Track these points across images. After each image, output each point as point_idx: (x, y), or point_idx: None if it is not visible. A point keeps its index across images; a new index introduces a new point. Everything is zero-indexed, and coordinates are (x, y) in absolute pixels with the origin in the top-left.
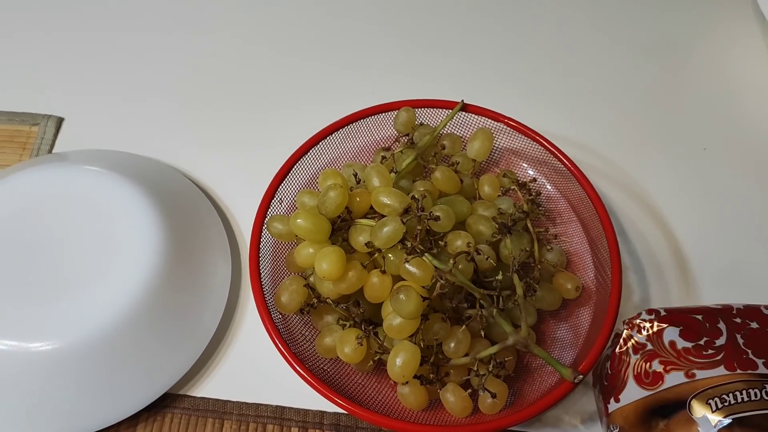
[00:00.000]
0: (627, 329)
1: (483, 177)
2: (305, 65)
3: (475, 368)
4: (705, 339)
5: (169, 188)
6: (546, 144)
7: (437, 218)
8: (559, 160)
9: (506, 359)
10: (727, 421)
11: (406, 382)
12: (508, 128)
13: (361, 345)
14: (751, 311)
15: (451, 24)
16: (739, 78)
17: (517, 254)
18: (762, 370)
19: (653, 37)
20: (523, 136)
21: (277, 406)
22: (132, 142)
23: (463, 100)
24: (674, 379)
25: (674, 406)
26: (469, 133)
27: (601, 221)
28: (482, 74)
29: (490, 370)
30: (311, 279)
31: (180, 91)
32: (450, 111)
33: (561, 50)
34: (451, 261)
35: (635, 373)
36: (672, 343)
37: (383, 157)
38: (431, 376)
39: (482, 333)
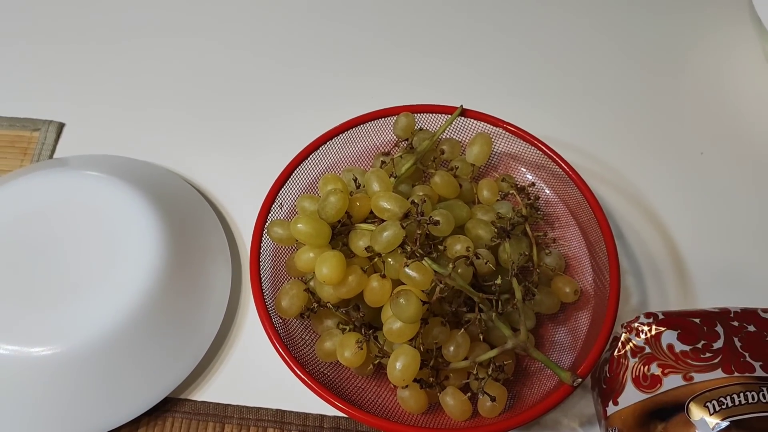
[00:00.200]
0: (625, 332)
1: (482, 181)
2: (305, 72)
3: (475, 372)
4: (703, 342)
5: (170, 193)
6: (544, 148)
7: (437, 222)
8: (558, 164)
9: (505, 363)
10: (725, 423)
11: (406, 386)
12: (507, 133)
13: (361, 349)
14: (748, 314)
15: (449, 30)
16: (736, 82)
17: (516, 258)
18: (759, 372)
19: (651, 42)
20: (521, 141)
21: (277, 410)
22: (133, 148)
23: (462, 105)
24: (672, 382)
25: (672, 408)
26: (468, 138)
27: (599, 225)
28: (481, 80)
29: (489, 373)
30: (311, 283)
31: (181, 97)
32: (449, 116)
33: (559, 56)
34: (451, 265)
35: (633, 376)
36: (670, 347)
37: (383, 162)
38: (431, 379)
39: (481, 337)
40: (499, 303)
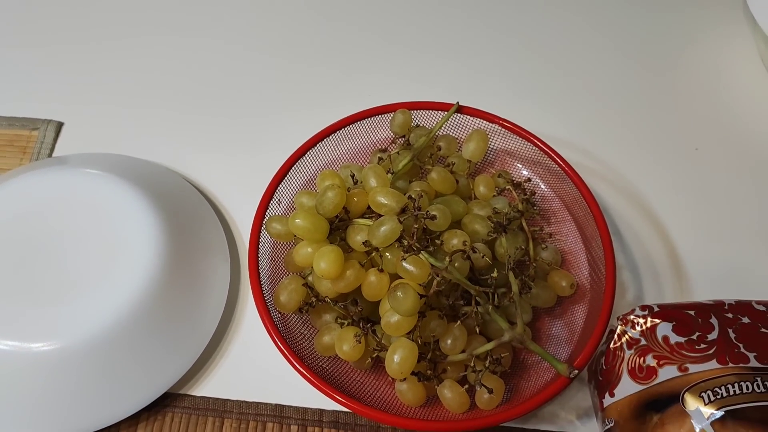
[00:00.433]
0: (621, 325)
1: (478, 177)
2: (302, 70)
3: (472, 364)
4: (697, 334)
5: (168, 190)
6: (540, 144)
7: (434, 217)
8: (553, 160)
9: (502, 355)
10: (720, 413)
11: (404, 379)
12: (503, 129)
13: (360, 342)
14: (742, 306)
15: (445, 28)
16: (730, 79)
17: (513, 252)
18: (753, 363)
19: (646, 39)
20: (517, 137)
21: (276, 405)
22: (130, 146)
23: (458, 102)
24: (668, 373)
25: (668, 399)
26: (464, 134)
27: (595, 219)
28: (477, 77)
29: (486, 366)
30: (310, 278)
31: (178, 95)
32: (445, 113)
33: (554, 53)
34: (448, 259)
35: (629, 368)
36: (665, 338)
37: (380, 159)
38: (428, 372)
39: (477, 330)
40: (496, 296)
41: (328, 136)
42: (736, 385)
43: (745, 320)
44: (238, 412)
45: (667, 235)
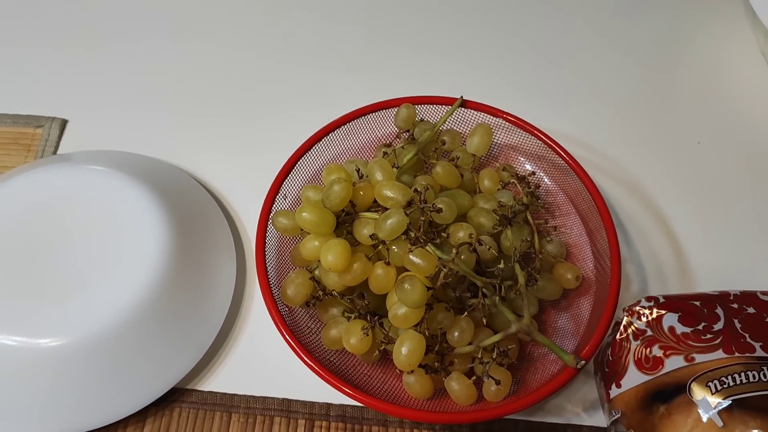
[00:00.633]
0: (627, 316)
1: (483, 171)
2: (307, 69)
3: (479, 356)
4: (703, 324)
5: (174, 187)
6: (544, 138)
7: (440, 210)
8: (557, 153)
9: (509, 347)
10: (727, 402)
11: (412, 371)
12: (507, 124)
13: (367, 335)
14: (747, 297)
15: (449, 25)
16: (731, 73)
17: (518, 245)
18: (760, 352)
19: (648, 35)
20: (521, 131)
21: (283, 399)
22: (135, 143)
23: (462, 96)
24: (674, 363)
25: (674, 389)
26: (468, 128)
27: (599, 212)
28: (480, 74)
29: (493, 357)
30: (316, 272)
31: (183, 93)
32: (449, 107)
33: (557, 49)
34: (454, 251)
35: (636, 358)
36: (671, 329)
37: (385, 153)
38: (436, 364)
39: (484, 321)
40: (502, 288)
41: (333, 131)
42: (742, 374)
43: (751, 310)
44: (245, 407)
45: (670, 227)
